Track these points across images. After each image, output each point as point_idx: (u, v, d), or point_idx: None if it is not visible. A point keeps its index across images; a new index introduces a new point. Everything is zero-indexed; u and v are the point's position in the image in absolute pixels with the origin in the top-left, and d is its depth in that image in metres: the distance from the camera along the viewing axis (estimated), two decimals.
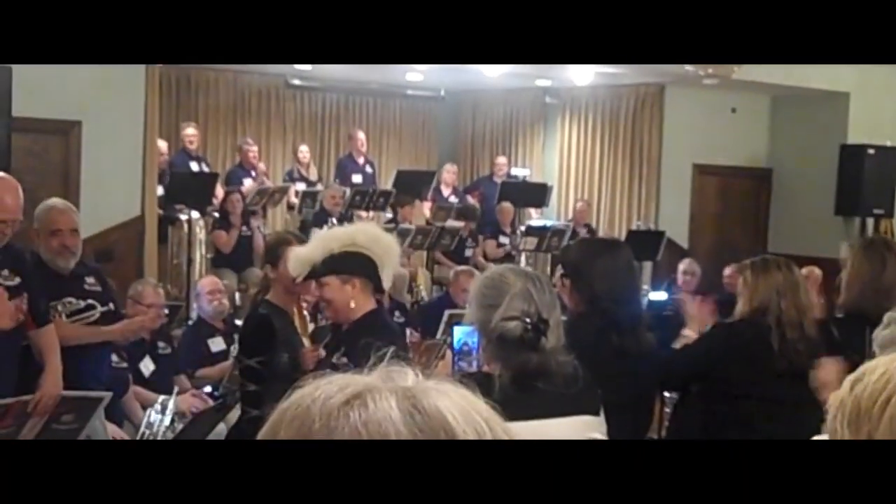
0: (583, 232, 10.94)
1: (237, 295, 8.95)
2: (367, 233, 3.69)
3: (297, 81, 12.79)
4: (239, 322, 6.80)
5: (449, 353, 2.76)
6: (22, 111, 7.66)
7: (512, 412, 2.42)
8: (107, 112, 8.63)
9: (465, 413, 0.98)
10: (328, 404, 0.97)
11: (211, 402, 5.65)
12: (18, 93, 7.57)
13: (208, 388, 6.00)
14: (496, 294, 2.61)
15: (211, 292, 6.69)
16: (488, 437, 0.98)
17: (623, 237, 10.62)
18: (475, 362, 2.72)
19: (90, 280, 4.69)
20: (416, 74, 11.87)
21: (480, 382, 2.49)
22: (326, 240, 3.67)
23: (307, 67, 11.86)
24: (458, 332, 2.76)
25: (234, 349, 5.55)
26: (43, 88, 8.12)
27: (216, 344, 6.51)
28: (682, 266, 8.42)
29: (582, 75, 11.01)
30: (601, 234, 11.44)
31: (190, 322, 7.44)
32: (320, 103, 13.21)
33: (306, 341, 4.21)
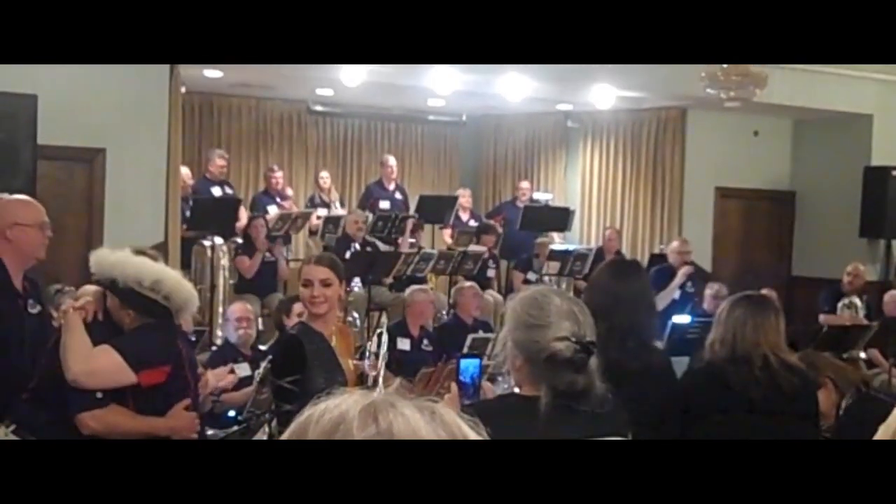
0: None
1: (259, 320, 8.95)
2: (178, 289, 3.70)
3: (318, 107, 12.85)
4: (263, 347, 6.80)
5: (454, 386, 2.71)
6: (47, 139, 7.74)
7: (558, 433, 2.41)
8: (130, 139, 8.69)
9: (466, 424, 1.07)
10: (359, 410, 1.02)
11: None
12: (44, 121, 7.65)
13: (231, 413, 5.99)
14: (542, 314, 2.54)
15: (239, 319, 6.66)
16: None
17: (646, 261, 10.59)
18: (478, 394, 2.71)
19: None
20: (438, 100, 11.89)
21: (524, 406, 2.48)
22: (138, 271, 3.63)
23: (329, 93, 11.90)
24: (465, 365, 2.73)
25: (258, 374, 5.51)
26: (68, 116, 8.19)
27: (242, 370, 6.49)
28: (709, 290, 8.37)
29: (603, 99, 10.99)
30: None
31: (214, 348, 7.45)
32: (342, 129, 13.26)
33: (351, 363, 4.14)
